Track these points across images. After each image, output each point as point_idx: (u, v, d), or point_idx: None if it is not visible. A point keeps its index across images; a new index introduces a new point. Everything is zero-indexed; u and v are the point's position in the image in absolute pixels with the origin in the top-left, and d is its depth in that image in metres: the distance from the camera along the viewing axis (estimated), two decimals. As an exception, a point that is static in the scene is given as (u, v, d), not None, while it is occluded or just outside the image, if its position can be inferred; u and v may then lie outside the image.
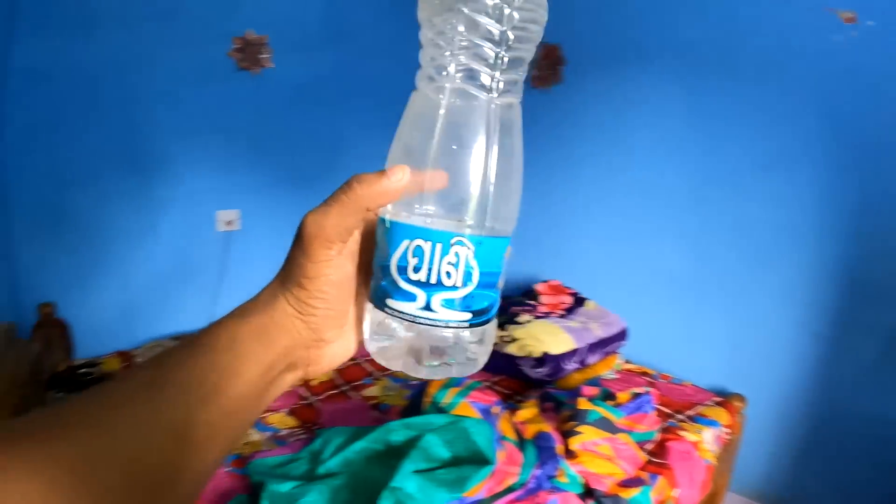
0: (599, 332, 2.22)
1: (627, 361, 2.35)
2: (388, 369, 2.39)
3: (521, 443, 1.52)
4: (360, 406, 2.14)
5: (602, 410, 1.59)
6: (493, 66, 0.38)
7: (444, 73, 0.39)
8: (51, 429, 0.29)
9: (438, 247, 0.37)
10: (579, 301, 2.49)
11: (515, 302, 2.55)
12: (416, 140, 0.39)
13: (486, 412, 1.60)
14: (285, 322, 0.39)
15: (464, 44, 0.38)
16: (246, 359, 0.37)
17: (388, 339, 0.41)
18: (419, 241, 0.37)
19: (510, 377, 2.26)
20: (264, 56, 2.52)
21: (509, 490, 1.39)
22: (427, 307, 0.38)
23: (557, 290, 2.56)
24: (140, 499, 0.31)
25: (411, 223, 0.38)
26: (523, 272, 2.98)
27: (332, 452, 1.55)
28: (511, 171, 0.40)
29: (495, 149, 0.39)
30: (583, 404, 1.61)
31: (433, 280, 0.37)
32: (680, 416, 1.81)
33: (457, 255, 0.37)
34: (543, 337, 2.18)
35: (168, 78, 2.48)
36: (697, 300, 2.33)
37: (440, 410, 1.62)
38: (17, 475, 0.26)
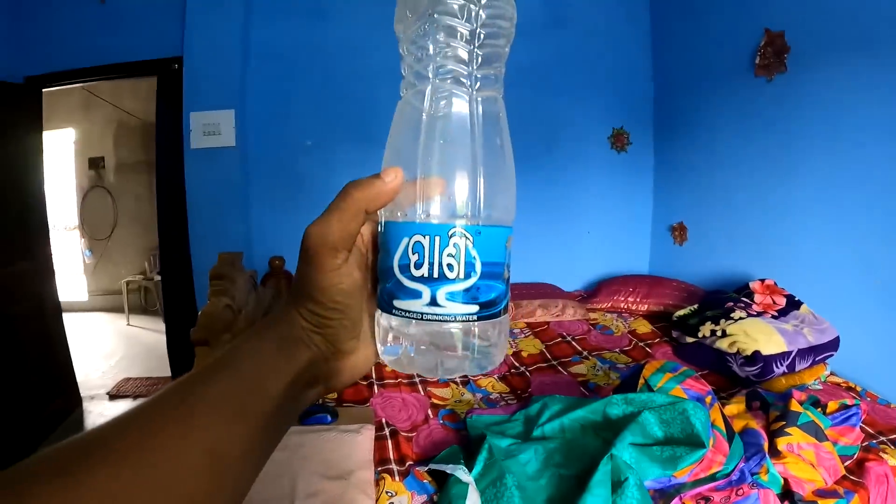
0: (812, 338, 2.21)
1: (833, 373, 2.29)
2: (598, 348, 2.61)
3: (731, 435, 1.62)
4: (569, 381, 2.35)
5: (812, 416, 1.64)
6: (468, 64, 0.41)
7: (424, 77, 0.41)
8: (88, 461, 0.29)
9: (437, 240, 0.39)
10: (794, 304, 2.47)
11: (730, 298, 2.60)
12: (405, 143, 0.41)
13: (699, 400, 1.71)
14: (303, 337, 0.40)
15: (439, 47, 0.40)
16: (270, 374, 0.38)
17: (399, 344, 0.42)
18: (418, 237, 0.39)
19: (716, 372, 2.34)
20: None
21: (712, 478, 1.48)
22: (433, 302, 0.39)
23: (772, 290, 2.56)
24: None
25: (408, 220, 0.40)
26: (738, 268, 2.99)
27: (549, 418, 1.75)
28: (501, 161, 0.42)
29: (482, 141, 0.41)
30: (794, 406, 1.67)
31: (436, 274, 0.39)
32: (882, 439, 1.76)
33: (456, 246, 0.39)
34: (756, 335, 2.22)
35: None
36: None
37: (653, 392, 1.75)
38: None
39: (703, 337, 2.41)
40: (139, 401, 0.33)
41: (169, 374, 3.41)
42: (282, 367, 0.38)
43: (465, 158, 0.40)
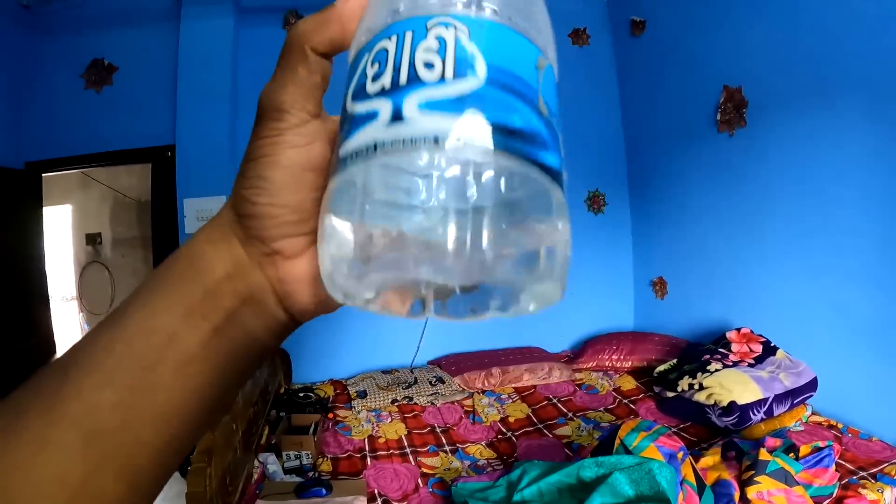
0: (788, 382, 2.26)
1: (815, 413, 2.33)
2: (583, 409, 2.64)
3: (701, 488, 1.66)
4: (554, 444, 2.39)
5: (781, 462, 1.68)
6: None
7: None
8: None
9: (408, 36, 0.24)
10: (770, 350, 2.52)
11: (707, 350, 2.66)
12: None
13: (671, 457, 1.77)
14: (222, 239, 0.30)
15: None
16: (164, 302, 0.29)
17: (348, 234, 0.25)
18: (382, 44, 0.25)
19: (697, 424, 2.38)
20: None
21: (686, 530, 1.53)
22: (396, 116, 0.23)
23: (748, 338, 2.61)
24: None
25: (367, 39, 0.26)
26: (717, 317, 3.06)
27: (528, 483, 1.80)
28: None
29: None
30: (763, 455, 1.72)
31: (402, 79, 0.23)
32: (862, 474, 1.81)
33: (439, 39, 0.24)
34: (732, 386, 2.28)
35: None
36: (891, 349, 2.21)
37: (628, 453, 1.81)
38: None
39: (683, 391, 2.46)
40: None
41: None
42: (179, 290, 0.29)
43: None
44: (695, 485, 1.66)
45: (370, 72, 0.25)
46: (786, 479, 1.63)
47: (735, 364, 2.47)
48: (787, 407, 2.22)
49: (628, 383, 2.98)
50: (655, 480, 1.59)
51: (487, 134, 0.22)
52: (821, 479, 1.69)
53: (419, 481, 2.13)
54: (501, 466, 2.22)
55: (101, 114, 3.24)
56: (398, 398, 2.86)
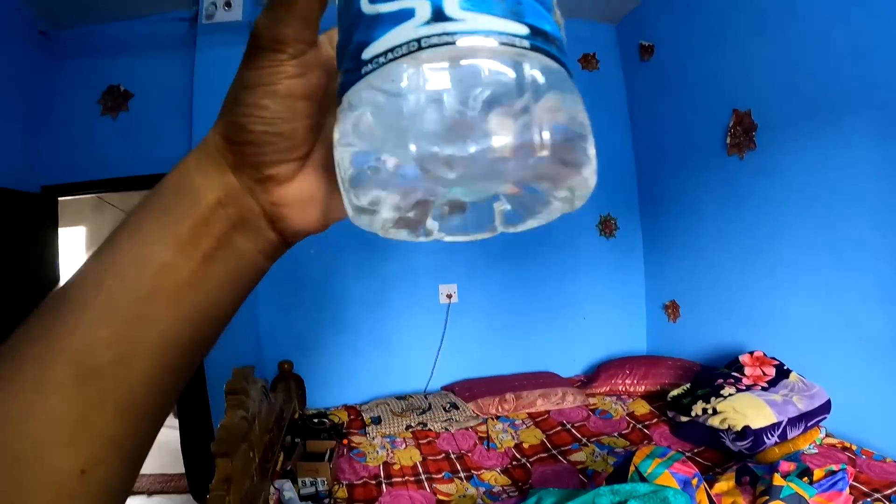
0: (801, 405, 2.26)
1: (829, 435, 2.32)
2: (597, 434, 2.65)
3: (715, 514, 1.66)
4: (569, 470, 2.39)
5: (795, 487, 1.68)
6: None
7: None
8: None
9: None
10: (783, 373, 2.52)
11: (720, 374, 2.65)
12: None
13: (686, 483, 1.77)
14: (212, 166, 0.30)
15: None
16: (154, 234, 0.29)
17: (375, 140, 0.24)
18: None
19: (712, 449, 2.37)
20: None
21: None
22: (438, 16, 0.22)
23: (761, 361, 2.61)
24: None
25: None
26: (730, 340, 3.06)
27: None
28: None
29: None
30: (777, 480, 1.72)
31: None
32: (877, 495, 1.80)
33: None
34: (745, 410, 2.28)
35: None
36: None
37: (643, 479, 1.82)
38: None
39: (697, 416, 2.46)
40: None
41: (182, 470, 3.43)
42: (170, 220, 0.29)
43: None
44: (709, 511, 1.66)
45: None
46: (799, 503, 1.63)
47: (748, 388, 2.47)
48: (800, 430, 2.22)
49: (642, 408, 2.97)
50: (670, 507, 1.59)
51: (526, 31, 0.23)
52: (834, 503, 1.69)
53: (434, 508, 2.14)
54: (517, 493, 2.23)
55: (116, 139, 3.32)
56: (412, 424, 2.88)
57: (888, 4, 2.12)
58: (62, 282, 0.29)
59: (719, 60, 3.03)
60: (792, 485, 1.69)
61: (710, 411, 2.40)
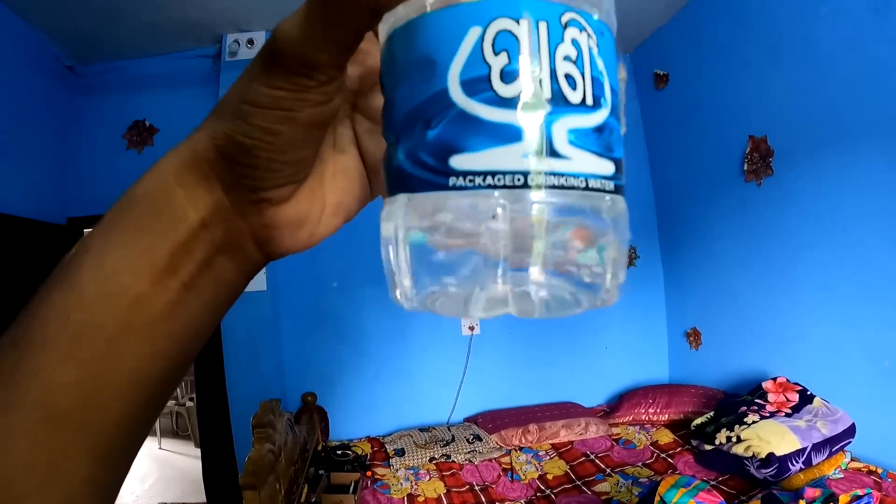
0: (826, 430, 2.24)
1: (854, 459, 2.28)
2: (620, 464, 2.64)
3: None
4: (593, 501, 2.38)
5: (820, 513, 1.67)
6: None
7: None
8: None
9: (543, 28, 0.21)
10: (807, 398, 2.50)
11: (743, 402, 2.64)
12: None
13: (710, 511, 1.77)
14: (199, 181, 0.27)
15: None
16: (126, 261, 0.26)
17: (454, 254, 0.23)
18: (504, 23, 0.21)
19: (736, 477, 2.36)
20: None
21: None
22: (548, 149, 0.21)
23: (784, 387, 2.60)
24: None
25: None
26: (752, 367, 3.04)
27: None
28: None
29: None
30: (802, 507, 1.71)
31: (546, 92, 0.21)
32: None
33: (575, 44, 0.22)
34: (769, 437, 2.26)
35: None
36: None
37: None
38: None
39: (721, 444, 2.44)
40: None
41: (204, 499, 3.46)
42: (148, 242, 0.26)
43: None
44: (733, 537, 1.65)
45: (494, 62, 0.21)
46: (825, 529, 1.62)
47: (772, 415, 2.45)
48: (825, 455, 2.20)
49: (665, 437, 2.96)
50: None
51: (612, 169, 0.23)
52: (861, 529, 1.67)
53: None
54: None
55: (141, 172, 3.41)
56: (436, 456, 2.89)
57: None
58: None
59: (734, 87, 3.08)
60: (817, 511, 1.68)
61: (734, 439, 2.39)
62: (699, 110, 3.40)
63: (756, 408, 2.53)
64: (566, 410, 3.33)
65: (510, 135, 0.21)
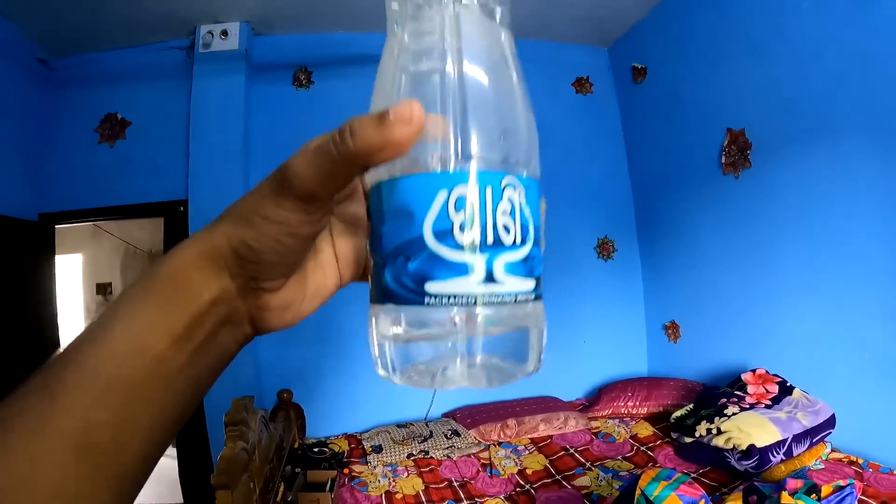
0: (806, 421, 2.24)
1: (835, 450, 2.30)
2: (600, 458, 2.61)
3: (723, 533, 1.64)
4: (573, 495, 2.35)
5: (803, 504, 1.66)
6: None
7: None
8: None
9: (489, 192, 0.30)
10: (786, 389, 2.50)
11: (723, 393, 2.63)
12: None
13: (692, 504, 1.74)
14: (211, 267, 0.33)
15: None
16: (151, 326, 0.31)
17: (426, 346, 0.33)
18: (462, 189, 0.30)
19: (717, 469, 2.34)
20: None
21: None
22: (489, 278, 0.30)
23: (764, 378, 2.60)
24: None
25: (435, 170, 0.30)
26: (732, 359, 3.04)
27: None
28: (528, 101, 0.34)
29: (507, 73, 0.34)
30: (785, 498, 1.69)
31: (489, 239, 0.30)
32: None
33: (510, 201, 0.31)
34: (750, 429, 2.25)
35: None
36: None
37: (650, 503, 1.79)
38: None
39: (701, 436, 2.43)
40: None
41: (181, 500, 3.37)
42: (167, 314, 0.31)
43: (501, 92, 0.33)
44: (717, 531, 1.63)
45: (455, 218, 0.30)
46: (809, 521, 1.61)
47: (752, 406, 2.45)
48: (806, 446, 2.19)
49: (645, 430, 2.94)
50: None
51: (533, 284, 0.33)
52: (844, 520, 1.66)
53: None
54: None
55: (114, 168, 3.33)
56: (414, 452, 2.84)
57: (878, 23, 2.15)
58: (61, 343, 0.31)
59: (712, 80, 3.07)
60: (800, 502, 1.67)
61: (714, 431, 2.38)
62: (677, 103, 3.39)
63: (736, 399, 2.52)
64: (545, 404, 3.30)
65: (465, 270, 0.30)
